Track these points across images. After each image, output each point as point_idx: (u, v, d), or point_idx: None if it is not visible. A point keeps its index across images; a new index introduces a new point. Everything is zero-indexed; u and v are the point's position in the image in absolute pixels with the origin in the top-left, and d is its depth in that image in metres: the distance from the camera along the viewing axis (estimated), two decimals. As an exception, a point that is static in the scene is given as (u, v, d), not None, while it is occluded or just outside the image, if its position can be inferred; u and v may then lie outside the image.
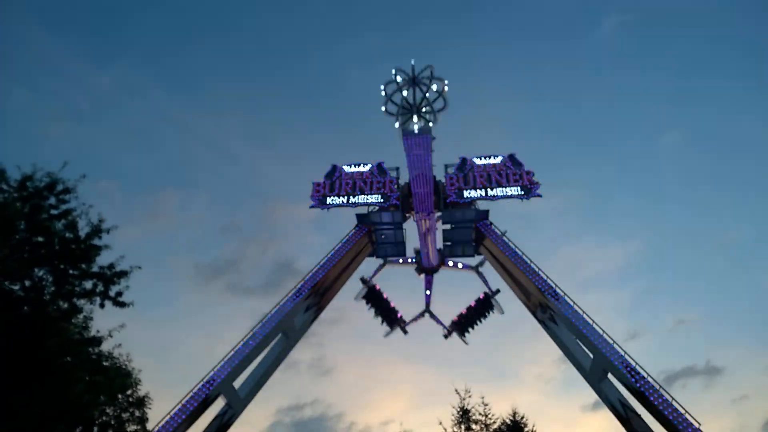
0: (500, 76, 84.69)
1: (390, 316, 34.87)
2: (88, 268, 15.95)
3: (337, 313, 72.80)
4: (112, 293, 16.31)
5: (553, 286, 25.13)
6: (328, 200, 28.17)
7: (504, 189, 27.92)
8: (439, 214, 28.47)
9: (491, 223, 28.19)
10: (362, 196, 28.18)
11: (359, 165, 29.18)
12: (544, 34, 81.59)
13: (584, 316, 23.71)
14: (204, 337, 68.69)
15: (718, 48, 77.39)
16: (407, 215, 28.57)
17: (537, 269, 25.68)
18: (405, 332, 35.72)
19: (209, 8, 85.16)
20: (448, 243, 30.16)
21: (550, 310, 25.04)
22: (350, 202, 28.19)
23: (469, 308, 34.46)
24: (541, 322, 26.41)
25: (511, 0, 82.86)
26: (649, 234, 74.83)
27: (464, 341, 35.07)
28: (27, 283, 14.82)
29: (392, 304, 34.87)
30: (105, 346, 17.46)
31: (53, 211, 15.17)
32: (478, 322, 34.58)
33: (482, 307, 34.27)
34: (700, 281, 70.57)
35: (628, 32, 79.76)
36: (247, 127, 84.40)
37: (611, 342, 22.69)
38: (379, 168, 29.03)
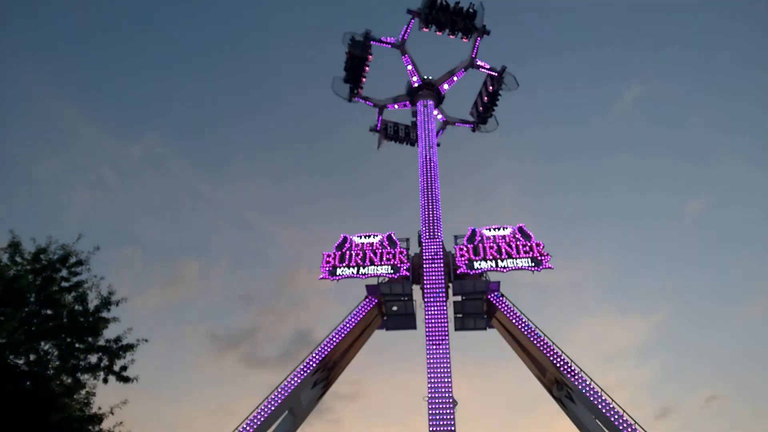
0: (516, 144, 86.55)
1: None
2: (94, 342, 15.67)
3: (354, 387, 70.95)
4: (116, 368, 15.96)
5: (569, 360, 24.39)
6: (338, 271, 28.06)
7: (514, 261, 27.82)
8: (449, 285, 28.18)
9: (503, 295, 27.77)
10: (372, 267, 28.11)
11: (369, 236, 29.32)
12: (565, 101, 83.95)
13: (603, 393, 22.82)
14: (215, 411, 66.72)
15: (741, 112, 78.43)
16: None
17: (551, 342, 25.03)
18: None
19: (233, 83, 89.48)
20: (459, 315, 29.60)
21: (566, 387, 24.15)
22: (360, 273, 28.08)
23: (481, 95, 35.05)
24: (557, 399, 25.41)
25: (530, 68, 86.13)
26: (674, 305, 73.22)
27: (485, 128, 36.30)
28: (32, 356, 14.54)
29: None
30: (106, 424, 16.87)
31: (64, 284, 15.09)
32: (495, 105, 35.22)
33: (495, 87, 34.62)
34: (731, 355, 68.17)
35: (649, 100, 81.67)
36: (266, 197, 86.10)
37: (632, 422, 21.70)
38: (389, 239, 29.16)
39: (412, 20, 34.42)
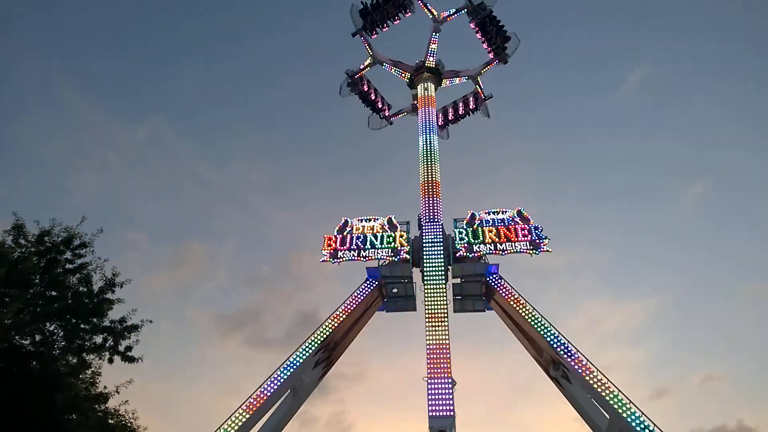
0: (517, 127, 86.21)
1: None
2: (99, 323, 16.01)
3: (357, 368, 71.77)
4: (121, 348, 16.31)
5: (565, 341, 24.71)
6: (339, 254, 28.40)
7: (513, 244, 28.07)
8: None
9: (501, 278, 28.02)
10: (373, 250, 28.44)
11: (370, 219, 29.62)
12: (568, 84, 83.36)
13: (599, 372, 23.17)
14: (219, 391, 67.77)
15: (745, 97, 77.94)
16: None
17: (548, 322, 25.32)
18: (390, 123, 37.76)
19: (237, 66, 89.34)
20: (458, 297, 29.91)
21: (562, 367, 24.52)
22: (361, 255, 28.41)
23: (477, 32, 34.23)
24: (554, 379, 25.80)
25: (531, 55, 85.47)
26: (671, 289, 73.33)
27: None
28: (38, 337, 14.90)
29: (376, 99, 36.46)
30: (111, 403, 17.26)
31: (68, 266, 15.41)
32: (499, 28, 33.90)
33: (477, 18, 33.94)
34: (727, 337, 68.37)
35: (653, 85, 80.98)
36: (270, 180, 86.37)
37: (627, 401, 22.07)
38: (390, 222, 29.44)
39: (362, 38, 34.51)
